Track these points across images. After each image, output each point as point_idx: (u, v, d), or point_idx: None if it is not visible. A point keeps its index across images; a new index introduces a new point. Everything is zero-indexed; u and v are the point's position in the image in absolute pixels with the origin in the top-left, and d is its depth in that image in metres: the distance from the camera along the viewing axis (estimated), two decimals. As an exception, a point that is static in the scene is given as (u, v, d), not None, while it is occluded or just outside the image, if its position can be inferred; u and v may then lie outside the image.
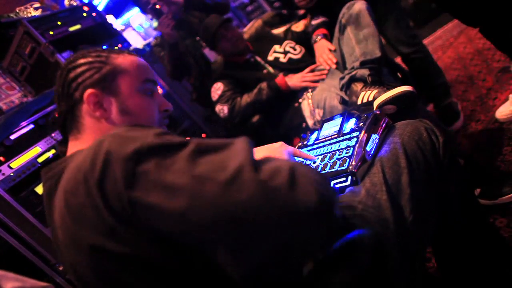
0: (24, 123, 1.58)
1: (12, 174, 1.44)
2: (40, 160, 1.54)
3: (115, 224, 0.52)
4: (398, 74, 1.33)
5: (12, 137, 1.52)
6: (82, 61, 0.73)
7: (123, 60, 0.74)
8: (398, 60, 1.99)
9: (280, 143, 0.85)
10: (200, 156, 0.51)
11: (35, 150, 1.55)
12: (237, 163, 0.48)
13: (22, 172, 1.47)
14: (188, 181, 0.48)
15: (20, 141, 1.54)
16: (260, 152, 0.81)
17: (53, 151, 1.60)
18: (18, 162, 1.48)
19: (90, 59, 0.73)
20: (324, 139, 0.96)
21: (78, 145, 0.70)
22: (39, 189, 1.48)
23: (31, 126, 1.59)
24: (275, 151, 0.82)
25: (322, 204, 0.48)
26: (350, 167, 0.79)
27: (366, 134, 0.85)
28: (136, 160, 0.50)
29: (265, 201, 0.46)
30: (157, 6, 1.83)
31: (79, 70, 0.72)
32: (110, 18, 2.63)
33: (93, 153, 0.54)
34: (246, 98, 1.70)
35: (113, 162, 0.51)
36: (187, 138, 0.55)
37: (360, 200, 0.75)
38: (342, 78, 1.33)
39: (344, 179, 0.79)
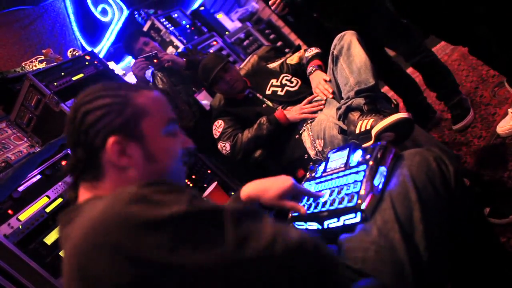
0: (30, 175, 1.60)
1: (20, 226, 1.44)
2: (48, 210, 1.55)
3: None
4: (393, 101, 1.35)
5: (20, 189, 1.53)
6: (100, 102, 0.64)
7: (144, 100, 0.67)
8: (409, 70, 2.19)
9: (287, 179, 0.87)
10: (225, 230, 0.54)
11: (43, 200, 1.56)
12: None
13: (31, 224, 1.47)
14: (219, 264, 0.51)
15: (28, 193, 1.55)
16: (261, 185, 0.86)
17: (60, 200, 1.61)
18: (26, 214, 1.48)
19: (108, 101, 0.65)
20: (331, 172, 0.94)
21: (95, 192, 0.65)
22: (48, 240, 1.48)
23: (38, 176, 1.61)
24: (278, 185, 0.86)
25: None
26: (359, 202, 0.77)
27: (373, 167, 0.83)
28: (170, 231, 0.50)
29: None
30: (167, 65, 1.89)
31: (98, 113, 0.63)
32: (111, 64, 2.72)
33: (116, 215, 0.52)
34: (247, 134, 1.72)
35: (144, 229, 0.50)
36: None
37: (372, 241, 0.73)
38: (338, 108, 1.35)
39: (353, 215, 0.78)
